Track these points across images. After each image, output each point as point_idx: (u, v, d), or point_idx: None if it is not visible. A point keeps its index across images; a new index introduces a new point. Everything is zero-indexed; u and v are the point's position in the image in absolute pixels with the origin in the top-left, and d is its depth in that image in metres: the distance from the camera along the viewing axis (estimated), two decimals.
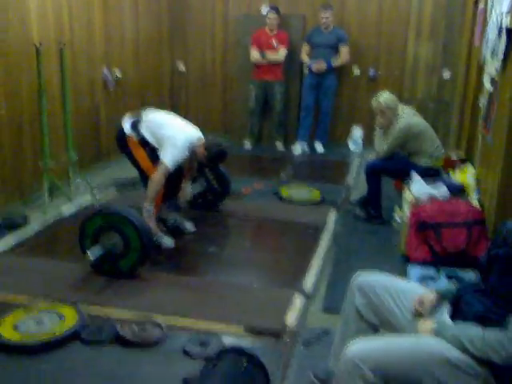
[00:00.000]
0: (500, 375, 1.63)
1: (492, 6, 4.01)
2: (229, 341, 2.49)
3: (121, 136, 3.69)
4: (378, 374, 1.66)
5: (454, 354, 1.66)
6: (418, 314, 1.90)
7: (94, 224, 3.11)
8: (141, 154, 3.64)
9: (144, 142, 3.62)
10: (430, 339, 1.73)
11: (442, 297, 1.93)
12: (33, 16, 4.43)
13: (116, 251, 3.09)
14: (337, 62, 6.38)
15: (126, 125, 3.68)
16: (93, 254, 3.02)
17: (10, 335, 2.44)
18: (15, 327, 2.50)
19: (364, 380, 1.67)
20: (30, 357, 2.36)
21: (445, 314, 1.87)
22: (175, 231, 3.87)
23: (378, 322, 2.04)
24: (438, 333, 1.74)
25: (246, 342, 2.49)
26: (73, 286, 3.03)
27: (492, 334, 1.60)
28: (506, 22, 3.43)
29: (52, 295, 2.88)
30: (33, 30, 4.44)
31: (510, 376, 1.63)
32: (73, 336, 2.48)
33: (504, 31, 3.44)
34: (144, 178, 3.68)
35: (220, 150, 3.60)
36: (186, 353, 2.41)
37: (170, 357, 2.40)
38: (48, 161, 4.37)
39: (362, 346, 1.73)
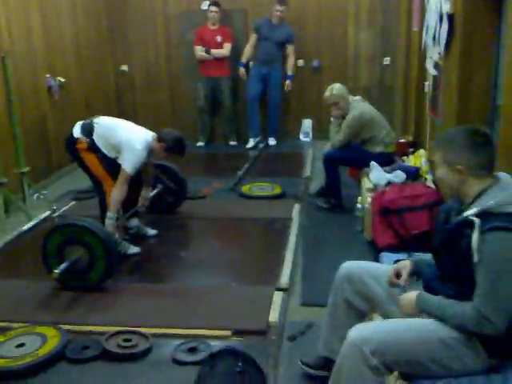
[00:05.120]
0: (489, 346, 1.72)
1: None
2: (216, 344, 2.51)
3: (70, 141, 3.59)
4: (378, 357, 1.73)
5: (447, 332, 1.73)
6: (394, 285, 1.99)
7: (55, 241, 3.05)
8: (91, 160, 3.54)
9: (95, 147, 3.54)
10: (425, 321, 1.80)
11: (416, 265, 2.00)
12: None
13: (83, 264, 3.03)
14: (291, 68, 6.47)
15: (76, 128, 3.59)
16: (59, 270, 2.94)
17: None
18: None
19: (366, 363, 1.72)
20: (16, 381, 2.30)
21: (422, 289, 1.94)
22: (138, 238, 3.82)
23: (366, 308, 2.12)
24: (420, 305, 1.81)
25: (234, 344, 2.52)
26: (46, 305, 2.96)
27: (468, 310, 1.68)
28: (446, 8, 3.60)
29: (27, 316, 2.80)
30: None
31: (498, 346, 1.73)
32: (58, 356, 2.43)
33: (445, 17, 3.61)
34: (96, 184, 3.60)
35: (176, 135, 3.55)
36: (175, 361, 2.42)
37: (160, 366, 2.41)
38: (0, 176, 4.21)
39: (364, 330, 1.79)
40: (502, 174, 1.80)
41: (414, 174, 3.87)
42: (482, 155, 1.76)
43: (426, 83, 4.55)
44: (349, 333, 1.79)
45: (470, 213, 1.71)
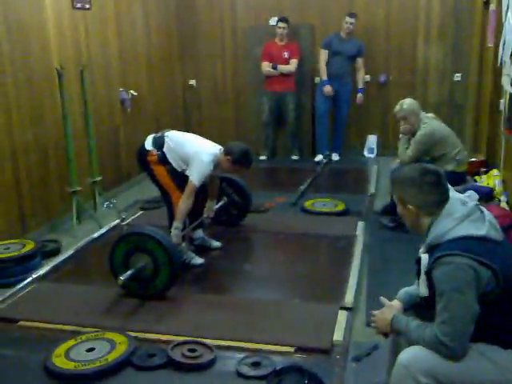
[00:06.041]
0: None
1: (508, 8, 4.03)
2: (279, 360, 2.50)
3: (142, 153, 3.71)
4: (430, 377, 1.73)
5: (497, 354, 1.73)
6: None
7: (121, 249, 3.14)
8: (161, 171, 3.65)
9: (165, 160, 3.64)
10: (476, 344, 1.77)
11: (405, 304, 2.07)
12: (52, 39, 4.48)
13: (147, 271, 3.10)
14: (362, 81, 6.46)
15: (148, 140, 3.72)
16: (124, 277, 3.03)
17: (64, 364, 2.45)
18: (67, 356, 2.51)
19: (416, 382, 1.73)
20: None
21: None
22: (203, 249, 3.88)
23: None
24: (392, 325, 1.90)
25: (297, 361, 2.50)
26: (113, 311, 3.04)
27: (428, 335, 1.74)
28: None
29: (96, 322, 2.89)
30: (52, 54, 4.49)
31: None
32: (125, 362, 2.49)
33: None
34: (165, 195, 3.70)
35: (242, 148, 3.58)
36: (239, 374, 2.42)
37: (224, 378, 2.41)
38: (75, 184, 4.40)
39: (413, 352, 1.79)
40: (452, 194, 1.86)
41: (487, 195, 3.73)
42: (432, 195, 1.84)
43: (502, 101, 4.38)
44: (399, 355, 1.81)
45: (421, 250, 1.85)
